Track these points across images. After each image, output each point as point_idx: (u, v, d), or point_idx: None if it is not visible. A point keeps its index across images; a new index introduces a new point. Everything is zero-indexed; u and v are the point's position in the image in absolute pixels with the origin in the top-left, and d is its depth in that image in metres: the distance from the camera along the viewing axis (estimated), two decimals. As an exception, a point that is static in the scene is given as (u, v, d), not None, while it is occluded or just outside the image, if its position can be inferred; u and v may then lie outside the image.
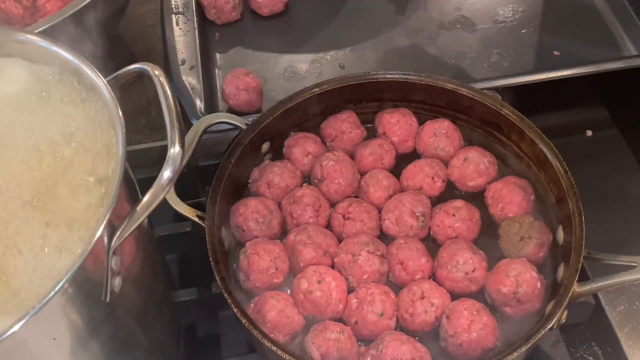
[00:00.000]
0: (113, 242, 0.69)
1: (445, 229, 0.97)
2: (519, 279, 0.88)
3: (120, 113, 0.73)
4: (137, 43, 1.41)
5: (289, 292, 0.92)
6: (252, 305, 0.90)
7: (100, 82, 0.76)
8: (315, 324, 0.88)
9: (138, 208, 0.71)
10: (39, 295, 0.63)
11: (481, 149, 1.04)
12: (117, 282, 0.73)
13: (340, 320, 0.90)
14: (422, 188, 1.01)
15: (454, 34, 1.33)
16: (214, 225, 0.93)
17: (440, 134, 1.05)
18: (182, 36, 1.29)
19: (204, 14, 1.35)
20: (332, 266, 0.94)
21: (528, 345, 0.82)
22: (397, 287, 0.93)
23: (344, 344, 0.86)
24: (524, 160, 1.03)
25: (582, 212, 0.91)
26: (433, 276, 0.94)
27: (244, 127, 1.03)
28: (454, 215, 0.96)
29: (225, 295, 0.86)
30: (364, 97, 1.09)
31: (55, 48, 0.80)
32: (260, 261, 0.91)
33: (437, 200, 1.01)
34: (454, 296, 0.91)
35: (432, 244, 0.97)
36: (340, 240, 0.96)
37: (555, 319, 0.84)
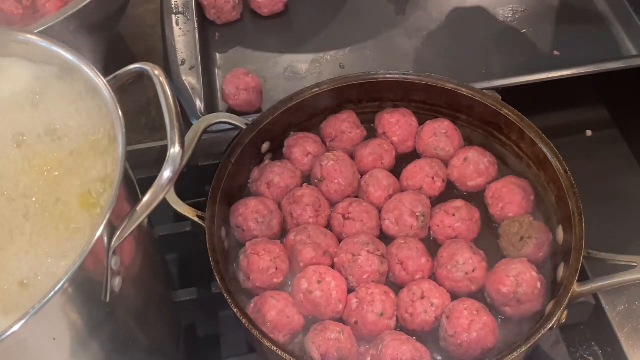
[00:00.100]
0: (113, 242, 0.69)
1: (445, 229, 0.97)
2: (519, 279, 0.88)
3: (120, 113, 0.73)
4: (137, 43, 1.41)
5: (289, 291, 0.92)
6: (252, 305, 0.90)
7: (100, 82, 0.76)
8: (315, 324, 0.88)
9: (138, 208, 0.71)
10: (39, 295, 0.63)
11: (481, 149, 1.04)
12: (117, 282, 0.73)
13: (340, 320, 0.90)
14: (422, 188, 1.01)
15: (454, 33, 1.33)
16: (214, 225, 0.93)
17: (440, 134, 1.04)
18: (182, 36, 1.29)
19: (204, 14, 1.35)
20: (332, 266, 0.94)
21: (528, 345, 0.82)
22: (397, 287, 0.93)
23: (344, 344, 0.86)
24: (524, 160, 1.03)
25: (582, 212, 0.91)
26: (433, 276, 0.94)
27: (244, 127, 1.03)
28: (454, 215, 0.96)
29: (225, 295, 0.86)
30: (364, 97, 1.09)
31: (55, 48, 0.79)
32: (260, 261, 0.91)
33: (437, 200, 1.01)
34: (454, 296, 0.91)
35: (432, 244, 0.97)
36: (340, 240, 0.96)
37: (555, 319, 0.84)
